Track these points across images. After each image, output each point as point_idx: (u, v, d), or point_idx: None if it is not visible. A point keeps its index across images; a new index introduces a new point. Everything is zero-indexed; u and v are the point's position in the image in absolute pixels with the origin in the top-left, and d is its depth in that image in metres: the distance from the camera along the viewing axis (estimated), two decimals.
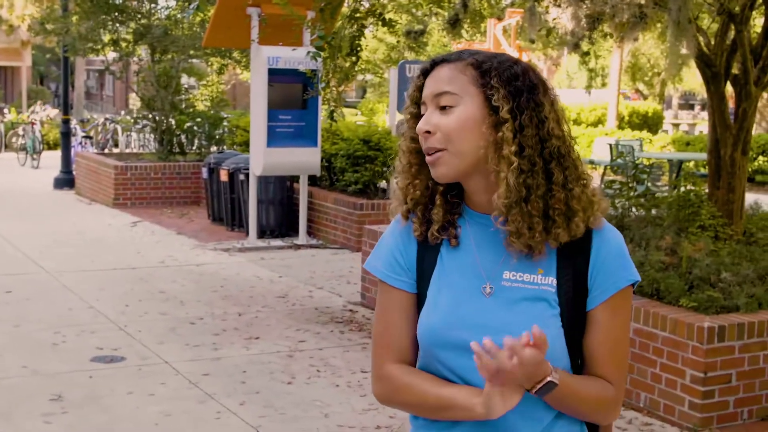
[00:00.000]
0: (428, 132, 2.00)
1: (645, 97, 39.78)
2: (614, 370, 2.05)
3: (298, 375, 6.68)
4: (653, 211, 8.25)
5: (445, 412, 2.03)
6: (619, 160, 10.26)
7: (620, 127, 28.44)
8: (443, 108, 1.99)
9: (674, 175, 16.20)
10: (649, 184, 10.22)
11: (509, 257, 2.02)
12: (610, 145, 18.01)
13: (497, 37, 31.49)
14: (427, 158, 2.02)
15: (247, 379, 6.58)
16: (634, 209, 8.30)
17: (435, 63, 2.05)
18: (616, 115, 29.31)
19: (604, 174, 14.26)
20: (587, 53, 8.57)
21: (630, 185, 8.43)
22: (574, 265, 2.02)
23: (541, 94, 1.99)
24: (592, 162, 20.88)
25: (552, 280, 2.01)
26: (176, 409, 5.96)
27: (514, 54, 32.21)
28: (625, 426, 5.78)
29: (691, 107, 51.62)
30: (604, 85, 40.47)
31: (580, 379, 2.03)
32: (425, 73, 2.06)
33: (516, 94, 1.96)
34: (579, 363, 2.07)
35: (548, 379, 1.89)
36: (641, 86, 40.40)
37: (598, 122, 30.26)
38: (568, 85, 46.03)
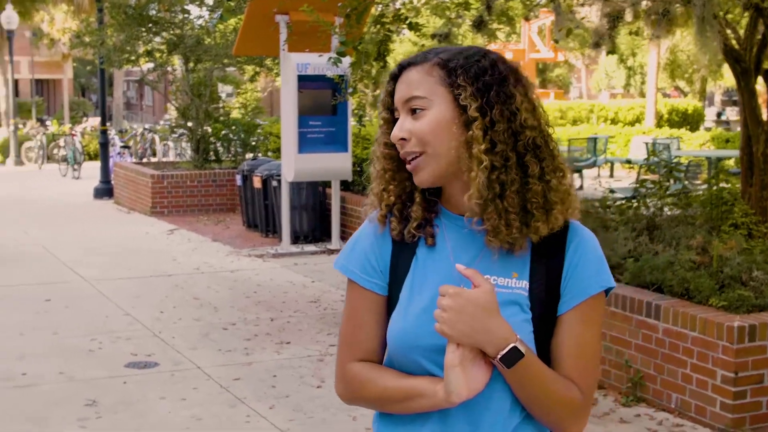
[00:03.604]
0: (403, 139, 1.98)
1: (685, 94, 39.43)
2: (582, 376, 1.98)
3: (327, 379, 6.70)
4: (688, 210, 8.18)
5: (408, 402, 1.98)
6: (653, 158, 10.17)
7: (659, 125, 28.21)
8: (414, 111, 1.97)
9: (712, 173, 16.05)
10: (686, 183, 10.14)
11: (484, 260, 1.99)
12: (647, 143, 17.88)
13: (532, 38, 31.41)
14: (408, 166, 2.00)
15: (277, 383, 6.62)
16: (666, 208, 8.24)
17: (402, 67, 2.02)
18: (654, 113, 29.07)
19: (639, 173, 14.15)
20: (612, 52, 8.50)
21: (661, 184, 8.37)
22: (547, 269, 1.98)
23: (512, 85, 1.95)
24: (629, 161, 20.73)
25: (525, 284, 1.97)
26: (207, 414, 6.01)
27: (550, 54, 31.99)
28: (655, 427, 5.75)
29: (735, 103, 51.06)
30: (643, 83, 40.19)
31: (548, 368, 1.95)
32: (394, 77, 2.03)
33: (484, 90, 1.92)
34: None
35: (513, 344, 1.85)
36: (681, 83, 40.04)
37: (636, 121, 30.04)
38: (607, 84, 45.74)
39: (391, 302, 2.06)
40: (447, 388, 1.88)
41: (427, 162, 1.96)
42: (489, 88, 1.93)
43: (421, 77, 1.97)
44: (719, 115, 42.81)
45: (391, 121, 2.05)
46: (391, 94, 2.04)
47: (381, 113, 2.08)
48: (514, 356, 1.87)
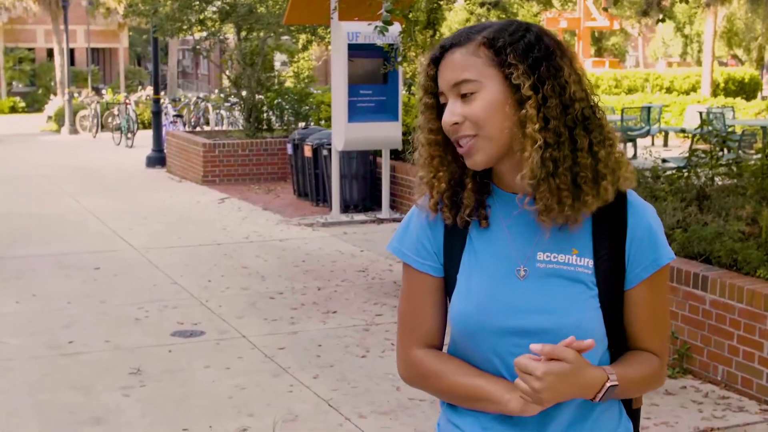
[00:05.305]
0: (456, 123, 1.93)
1: (743, 63, 38.76)
2: (659, 343, 2.03)
3: (372, 348, 6.71)
4: (740, 180, 8.01)
5: (475, 403, 1.99)
6: (706, 128, 9.99)
7: (715, 94, 27.78)
8: (464, 96, 1.92)
9: (766, 141, 15.76)
10: (740, 152, 9.94)
11: (543, 237, 1.96)
12: (701, 113, 17.62)
13: (587, 6, 31.03)
14: (460, 150, 1.95)
15: (322, 352, 6.64)
16: (717, 178, 8.09)
17: (444, 48, 1.96)
18: (710, 82, 28.61)
19: (692, 142, 13.96)
20: (663, 20, 8.35)
21: (712, 154, 8.21)
22: (609, 244, 1.96)
23: (559, 57, 1.91)
24: (683, 130, 20.45)
25: (588, 262, 1.95)
26: (250, 383, 6.05)
27: (605, 22, 31.60)
28: (701, 399, 5.68)
29: None
30: (700, 51, 39.55)
31: (631, 364, 1.99)
32: (436, 60, 1.98)
33: (535, 66, 1.88)
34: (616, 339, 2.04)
35: (608, 385, 1.89)
36: (739, 52, 39.34)
37: (692, 89, 29.61)
38: (663, 53, 45.09)
39: (447, 283, 2.05)
40: (519, 405, 1.89)
41: (481, 145, 1.92)
42: (539, 64, 1.89)
43: (467, 59, 1.92)
44: None
45: (434, 107, 2.00)
46: (434, 78, 1.99)
47: (422, 99, 2.02)
48: (611, 392, 1.91)
